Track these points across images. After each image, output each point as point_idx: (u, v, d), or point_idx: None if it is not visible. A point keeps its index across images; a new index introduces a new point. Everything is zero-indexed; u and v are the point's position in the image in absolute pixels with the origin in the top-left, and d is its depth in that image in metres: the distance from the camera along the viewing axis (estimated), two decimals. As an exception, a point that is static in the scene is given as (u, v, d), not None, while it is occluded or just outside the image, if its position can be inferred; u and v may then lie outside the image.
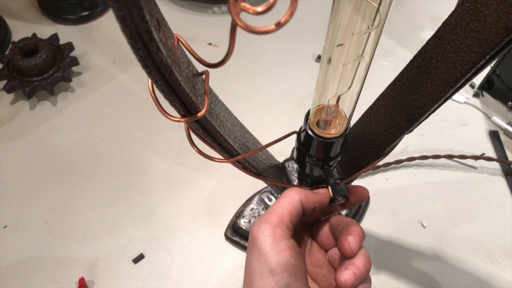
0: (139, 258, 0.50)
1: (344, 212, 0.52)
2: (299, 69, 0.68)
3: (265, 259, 0.27)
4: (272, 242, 0.28)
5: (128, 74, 0.65)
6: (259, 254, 0.28)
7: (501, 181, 0.58)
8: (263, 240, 0.28)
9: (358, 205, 0.50)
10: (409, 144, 0.61)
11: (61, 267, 0.49)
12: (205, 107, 0.24)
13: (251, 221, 0.51)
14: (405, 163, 0.59)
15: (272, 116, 0.62)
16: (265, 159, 0.38)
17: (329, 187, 0.33)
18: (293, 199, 0.31)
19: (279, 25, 0.16)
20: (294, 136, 0.35)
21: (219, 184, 0.56)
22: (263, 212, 0.51)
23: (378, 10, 0.23)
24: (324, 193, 0.33)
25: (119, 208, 0.53)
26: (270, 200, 0.52)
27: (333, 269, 0.33)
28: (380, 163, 0.48)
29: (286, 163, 0.43)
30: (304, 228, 0.35)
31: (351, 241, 0.29)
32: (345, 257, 0.30)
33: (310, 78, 0.66)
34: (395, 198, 0.56)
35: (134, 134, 0.59)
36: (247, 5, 0.16)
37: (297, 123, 0.34)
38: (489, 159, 0.59)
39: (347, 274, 0.28)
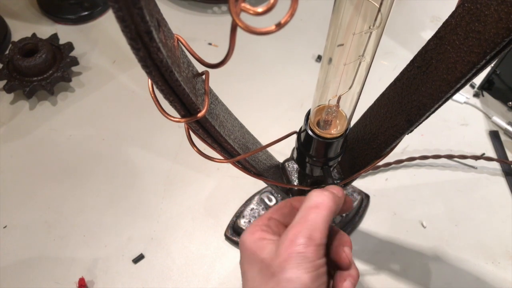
0: (139, 258, 0.50)
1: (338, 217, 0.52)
2: (299, 69, 0.67)
3: None
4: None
5: (128, 74, 0.65)
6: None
7: (501, 181, 0.58)
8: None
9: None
10: (409, 144, 0.61)
11: (61, 267, 0.49)
12: (205, 107, 0.24)
13: (251, 221, 0.51)
14: (405, 163, 0.59)
15: (272, 116, 0.62)
16: (265, 159, 0.38)
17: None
18: (279, 204, 0.31)
19: (279, 26, 0.16)
20: (294, 136, 0.35)
21: (219, 184, 0.56)
22: (263, 212, 0.51)
23: (379, 10, 0.23)
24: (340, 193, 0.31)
25: (119, 208, 0.53)
26: (270, 200, 0.52)
27: None
28: (380, 163, 0.48)
29: (286, 163, 0.43)
30: None
31: (348, 253, 0.29)
32: (337, 266, 0.30)
33: (310, 78, 0.66)
34: (395, 198, 0.56)
35: (134, 134, 0.59)
36: (248, 6, 0.16)
37: (297, 123, 0.34)
38: (489, 159, 0.59)
39: (347, 286, 0.28)
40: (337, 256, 0.29)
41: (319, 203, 0.28)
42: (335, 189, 0.30)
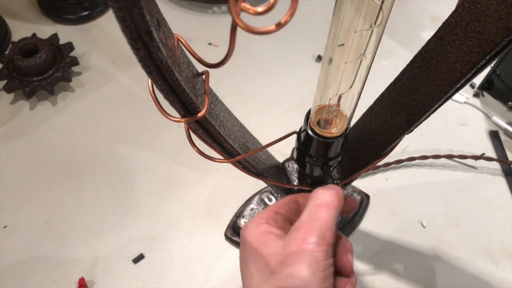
0: (139, 258, 0.50)
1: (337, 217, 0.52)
2: (299, 69, 0.67)
3: (261, 258, 0.26)
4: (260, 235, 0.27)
5: (128, 74, 0.65)
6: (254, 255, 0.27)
7: (501, 181, 0.58)
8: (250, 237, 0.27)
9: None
10: (409, 144, 0.61)
11: (61, 267, 0.49)
12: (205, 107, 0.24)
13: (251, 221, 0.51)
14: (405, 163, 0.59)
15: (272, 116, 0.62)
16: (265, 159, 0.38)
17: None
18: (286, 198, 0.31)
19: (279, 26, 0.16)
20: (294, 136, 0.35)
21: (219, 184, 0.56)
22: (263, 212, 0.51)
23: (381, 8, 0.23)
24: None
25: (119, 208, 0.53)
26: (270, 200, 0.52)
27: None
28: (380, 163, 0.48)
29: (286, 163, 0.43)
30: None
31: (351, 260, 0.29)
32: (337, 271, 0.29)
33: (310, 78, 0.66)
34: (395, 198, 0.56)
35: (134, 134, 0.59)
36: (248, 5, 0.16)
37: (297, 123, 0.34)
38: (489, 159, 0.59)
39: None
40: (340, 263, 0.28)
41: (328, 202, 0.27)
42: (336, 188, 0.30)
